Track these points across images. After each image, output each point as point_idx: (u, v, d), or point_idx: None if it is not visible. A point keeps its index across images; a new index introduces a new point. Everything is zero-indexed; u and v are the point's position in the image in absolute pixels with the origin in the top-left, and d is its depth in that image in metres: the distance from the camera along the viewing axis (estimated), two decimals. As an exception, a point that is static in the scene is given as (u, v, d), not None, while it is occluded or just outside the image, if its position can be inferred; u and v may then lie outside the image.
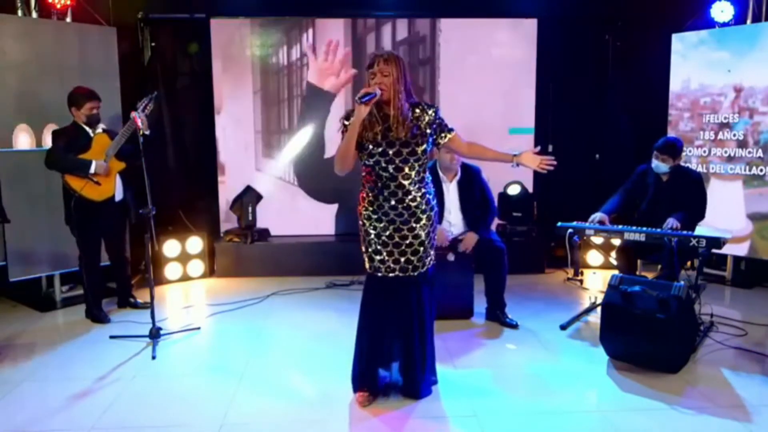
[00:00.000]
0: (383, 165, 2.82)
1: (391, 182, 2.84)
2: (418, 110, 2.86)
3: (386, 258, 2.90)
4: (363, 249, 2.97)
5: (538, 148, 3.04)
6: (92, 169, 4.05)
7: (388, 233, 2.89)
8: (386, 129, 2.80)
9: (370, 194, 2.91)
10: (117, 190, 4.24)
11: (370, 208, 2.91)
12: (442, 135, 2.91)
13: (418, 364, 3.03)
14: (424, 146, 2.84)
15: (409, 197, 2.86)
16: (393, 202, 2.86)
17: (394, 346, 3.05)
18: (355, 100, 2.71)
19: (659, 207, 4.11)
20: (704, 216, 4.13)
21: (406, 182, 2.84)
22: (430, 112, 2.87)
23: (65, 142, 4.10)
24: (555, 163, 2.93)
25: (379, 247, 2.90)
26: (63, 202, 4.23)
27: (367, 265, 2.96)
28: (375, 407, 2.97)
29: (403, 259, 2.90)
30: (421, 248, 2.92)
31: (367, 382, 3.02)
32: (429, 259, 2.98)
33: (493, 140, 5.70)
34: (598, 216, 4.07)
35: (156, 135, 4.22)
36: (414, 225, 2.90)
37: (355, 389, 3.04)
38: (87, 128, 4.18)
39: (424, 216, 2.91)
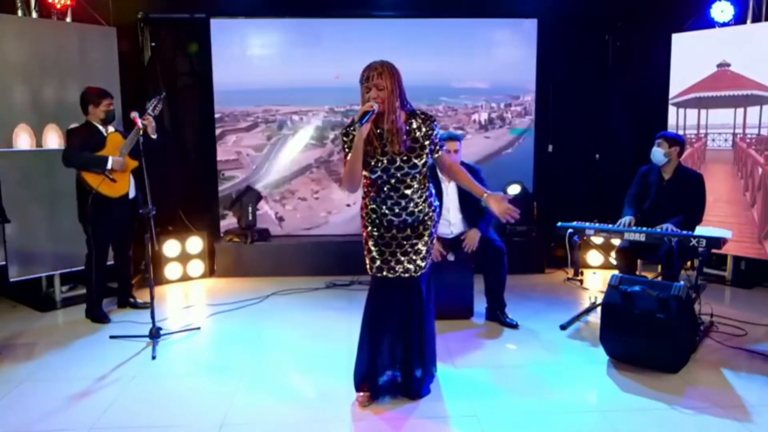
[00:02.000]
0: (384, 179, 2.82)
1: (393, 193, 2.84)
2: (414, 122, 2.81)
3: (389, 258, 2.90)
4: (365, 251, 2.96)
5: (509, 196, 2.99)
6: (109, 165, 4.09)
7: (390, 234, 2.90)
8: (384, 145, 2.79)
9: (371, 203, 2.90)
10: (130, 187, 4.30)
11: (373, 215, 2.91)
12: (435, 152, 2.88)
13: (418, 365, 3.05)
14: (424, 159, 2.82)
15: (412, 204, 2.87)
16: (397, 210, 2.86)
17: (395, 346, 3.06)
18: (355, 123, 2.69)
19: (660, 207, 4.11)
20: (702, 219, 4.13)
21: (408, 192, 2.84)
22: (428, 124, 2.82)
23: (80, 140, 4.14)
24: (517, 216, 2.89)
25: (382, 248, 2.90)
26: (77, 200, 4.25)
27: (369, 267, 2.96)
28: (375, 407, 2.98)
29: (405, 260, 2.91)
30: (424, 249, 2.94)
31: (369, 383, 3.02)
32: (427, 262, 2.98)
33: (492, 140, 5.82)
34: (627, 219, 4.07)
35: (158, 134, 4.23)
36: (417, 227, 2.91)
37: (357, 389, 3.04)
38: (100, 127, 4.23)
39: (427, 218, 2.93)
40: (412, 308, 2.97)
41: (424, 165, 2.84)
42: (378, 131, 2.78)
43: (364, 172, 2.84)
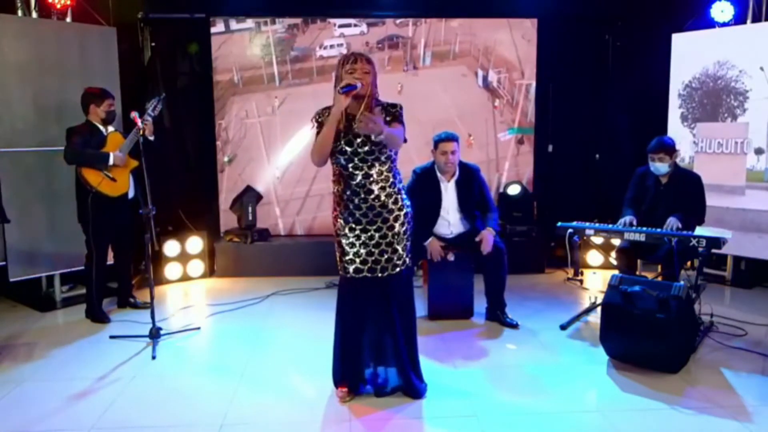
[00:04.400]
0: (343, 162, 2.86)
1: (351, 180, 2.87)
2: (381, 108, 2.89)
3: (354, 258, 2.91)
4: (337, 251, 2.98)
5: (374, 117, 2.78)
6: (111, 161, 4.11)
7: (356, 233, 2.90)
8: (348, 126, 2.83)
9: (337, 193, 2.94)
10: (130, 187, 4.31)
11: (339, 208, 2.94)
12: (389, 122, 2.86)
13: (411, 365, 3.05)
14: (382, 145, 2.85)
15: (372, 196, 2.87)
16: (356, 201, 2.88)
17: (373, 347, 3.07)
18: (337, 90, 2.73)
19: (659, 209, 4.09)
20: (704, 219, 4.12)
21: (366, 180, 2.86)
22: (391, 108, 2.89)
23: (81, 138, 4.16)
24: (377, 123, 2.69)
25: (347, 248, 2.91)
26: (77, 200, 4.26)
27: (339, 266, 2.98)
28: (375, 407, 2.97)
29: (370, 260, 2.91)
30: (389, 249, 2.91)
31: (346, 379, 3.06)
32: (400, 261, 2.95)
33: (493, 140, 5.82)
34: (628, 219, 4.05)
35: (157, 136, 4.24)
36: (381, 225, 2.90)
37: (335, 385, 3.09)
38: (100, 126, 4.25)
39: (391, 216, 2.90)
40: (381, 309, 2.97)
41: (379, 156, 2.85)
42: (347, 112, 2.82)
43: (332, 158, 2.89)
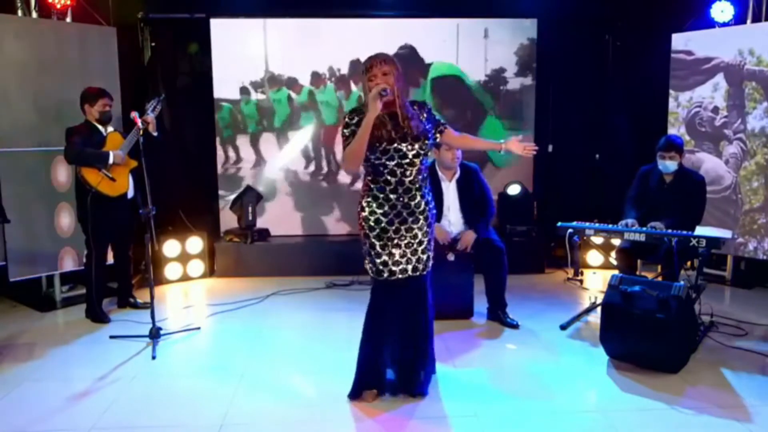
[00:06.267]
0: (397, 161, 2.82)
1: (405, 178, 2.85)
2: (415, 107, 2.92)
3: (399, 259, 2.90)
4: (370, 257, 2.91)
5: (520, 136, 3.11)
6: (111, 159, 4.10)
7: (400, 234, 2.88)
8: (395, 127, 2.80)
9: (380, 195, 2.86)
10: (129, 187, 4.31)
11: (380, 211, 2.87)
12: (439, 129, 2.98)
13: (423, 365, 3.06)
14: (428, 144, 2.89)
15: (420, 193, 2.91)
16: (406, 200, 2.87)
17: (398, 346, 3.05)
18: (380, 94, 2.68)
19: (661, 208, 4.08)
20: (700, 220, 4.11)
21: (409, 182, 2.86)
22: (425, 109, 2.94)
23: (81, 137, 4.15)
24: (537, 148, 3.07)
25: (393, 250, 2.88)
26: (77, 200, 4.27)
27: (375, 272, 2.90)
28: (375, 407, 2.97)
29: (414, 258, 2.92)
30: (422, 249, 2.95)
31: (374, 382, 3.04)
32: (429, 260, 3.00)
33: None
34: (630, 221, 4.03)
35: (158, 135, 4.24)
36: (423, 223, 2.93)
37: (362, 389, 3.02)
38: (99, 126, 4.25)
39: (429, 213, 2.97)
40: (418, 306, 2.99)
41: (426, 153, 2.89)
42: (388, 113, 2.80)
43: (373, 160, 2.82)
